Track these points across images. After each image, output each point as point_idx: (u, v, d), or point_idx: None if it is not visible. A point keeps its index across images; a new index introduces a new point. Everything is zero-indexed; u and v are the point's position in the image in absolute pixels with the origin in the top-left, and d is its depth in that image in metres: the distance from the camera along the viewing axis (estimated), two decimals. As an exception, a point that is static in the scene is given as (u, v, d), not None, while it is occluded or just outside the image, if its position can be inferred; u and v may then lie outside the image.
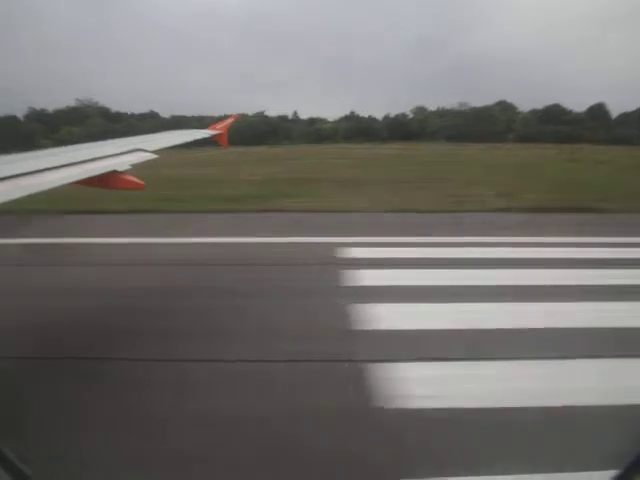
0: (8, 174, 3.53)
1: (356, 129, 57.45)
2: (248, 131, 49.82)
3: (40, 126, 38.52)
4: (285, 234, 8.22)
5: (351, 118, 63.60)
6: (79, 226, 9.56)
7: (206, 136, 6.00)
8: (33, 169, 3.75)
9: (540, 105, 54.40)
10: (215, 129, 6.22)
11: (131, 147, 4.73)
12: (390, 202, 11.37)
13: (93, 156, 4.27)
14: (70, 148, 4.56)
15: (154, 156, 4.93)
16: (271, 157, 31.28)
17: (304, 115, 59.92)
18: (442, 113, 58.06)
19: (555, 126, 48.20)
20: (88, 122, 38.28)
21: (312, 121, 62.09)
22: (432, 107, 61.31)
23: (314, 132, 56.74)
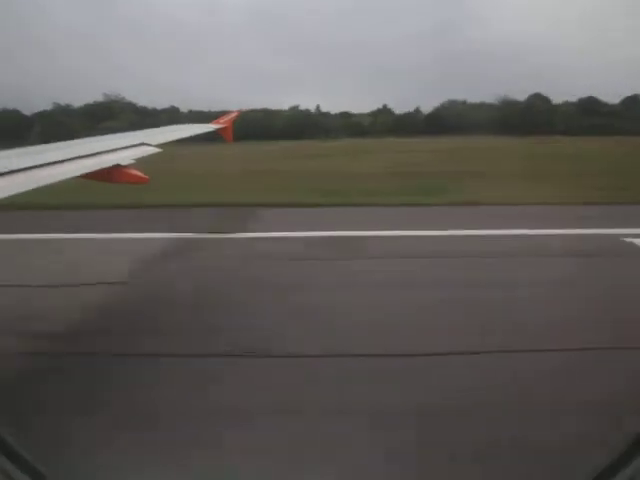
0: (16, 167, 3.66)
1: (393, 123, 56.54)
2: (288, 126, 49.32)
3: (70, 121, 39.12)
4: (547, 226, 7.99)
5: (384, 112, 62.71)
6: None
7: (210, 130, 6.10)
8: (40, 163, 3.87)
9: (568, 97, 53.11)
10: (219, 123, 6.31)
11: (135, 141, 4.83)
12: (603, 193, 10.76)
13: (97, 150, 4.38)
14: (74, 142, 4.67)
15: (158, 150, 5.04)
16: (347, 151, 28.67)
17: (325, 109, 58.63)
18: (478, 107, 56.91)
19: (593, 118, 47.05)
20: (122, 117, 38.73)
21: (346, 115, 61.12)
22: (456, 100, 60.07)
23: (355, 125, 55.85)
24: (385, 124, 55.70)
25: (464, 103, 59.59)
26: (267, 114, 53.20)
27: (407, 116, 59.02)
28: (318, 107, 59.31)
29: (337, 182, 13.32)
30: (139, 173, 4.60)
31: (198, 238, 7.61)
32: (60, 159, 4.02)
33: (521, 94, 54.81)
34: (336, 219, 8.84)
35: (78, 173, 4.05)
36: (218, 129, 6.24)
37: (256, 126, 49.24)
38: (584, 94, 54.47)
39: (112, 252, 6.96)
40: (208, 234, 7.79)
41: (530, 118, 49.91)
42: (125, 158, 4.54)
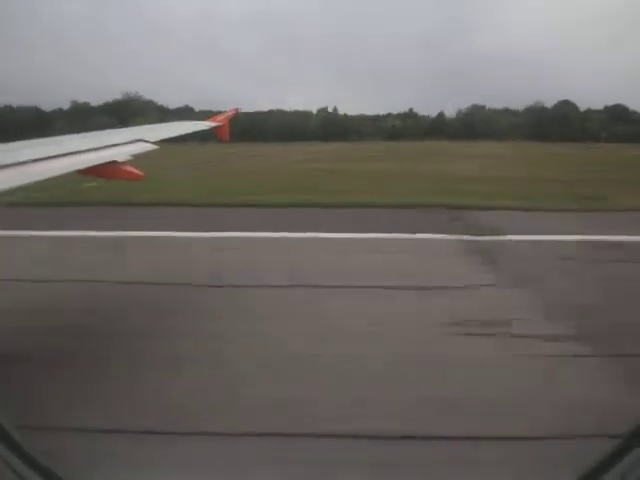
0: (11, 161, 3.60)
1: (422, 127, 55.51)
2: (320, 128, 48.76)
3: (92, 119, 39.09)
4: None
5: (411, 115, 61.79)
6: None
7: (206, 128, 6.05)
8: (36, 157, 3.81)
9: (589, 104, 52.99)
10: (215, 121, 6.27)
11: (132, 137, 4.77)
12: None
13: (93, 146, 4.32)
14: (70, 137, 4.61)
15: (155, 147, 4.99)
16: (409, 154, 28.26)
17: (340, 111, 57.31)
18: (501, 113, 56.39)
19: (623, 126, 47.05)
20: (148, 115, 38.75)
21: (377, 117, 59.66)
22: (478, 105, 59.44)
23: (389, 129, 54.73)
24: (415, 127, 54.63)
25: (484, 108, 59.06)
26: (300, 116, 52.33)
27: (436, 120, 57.97)
28: (335, 109, 57.44)
29: (490, 185, 13.17)
30: (135, 170, 4.55)
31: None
32: (55, 154, 3.96)
33: (543, 100, 54.19)
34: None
35: (73, 169, 4.00)
36: (214, 127, 6.19)
37: (290, 127, 48.55)
38: (608, 102, 54.05)
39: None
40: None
41: (561, 125, 49.38)
42: (122, 154, 4.48)
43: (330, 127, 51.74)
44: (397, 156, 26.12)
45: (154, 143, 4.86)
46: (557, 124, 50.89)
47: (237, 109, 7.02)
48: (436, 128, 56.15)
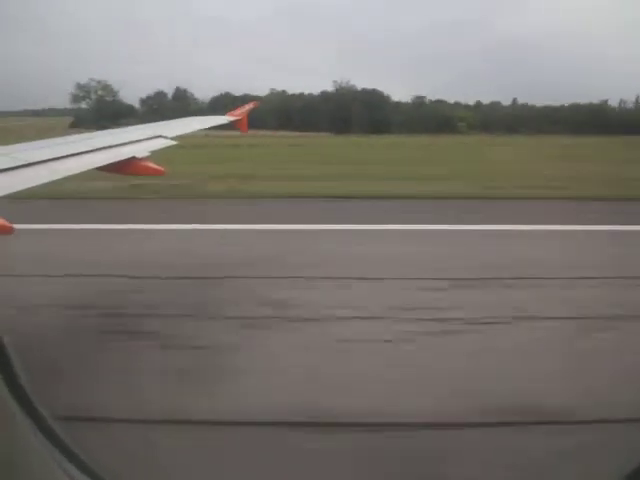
0: (33, 160, 3.72)
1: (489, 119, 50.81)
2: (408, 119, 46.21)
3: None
4: None
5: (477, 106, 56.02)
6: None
7: (225, 122, 6.11)
8: (56, 156, 3.93)
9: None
10: (234, 115, 6.32)
11: (151, 134, 4.86)
12: None
13: (113, 143, 4.42)
14: (89, 135, 4.73)
15: (173, 142, 5.06)
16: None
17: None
18: (543, 109, 53.45)
19: None
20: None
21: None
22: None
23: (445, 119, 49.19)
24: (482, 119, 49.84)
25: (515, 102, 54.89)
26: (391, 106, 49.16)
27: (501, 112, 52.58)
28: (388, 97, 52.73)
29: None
30: (155, 165, 4.64)
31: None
32: (76, 152, 4.08)
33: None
34: None
35: (94, 166, 4.11)
36: (233, 121, 6.24)
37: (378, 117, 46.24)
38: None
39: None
40: None
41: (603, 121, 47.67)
42: (141, 151, 4.57)
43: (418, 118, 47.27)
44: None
45: (172, 139, 4.94)
46: (597, 119, 48.62)
47: (256, 102, 7.05)
48: (497, 120, 50.37)
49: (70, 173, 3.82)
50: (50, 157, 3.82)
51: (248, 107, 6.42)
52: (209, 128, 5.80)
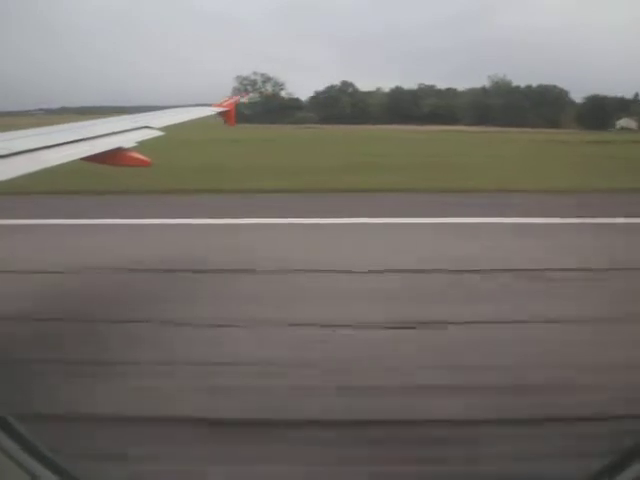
0: (21, 149, 3.67)
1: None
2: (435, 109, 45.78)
3: None
4: None
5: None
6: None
7: (212, 113, 6.07)
8: (43, 145, 3.87)
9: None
10: (221, 106, 6.28)
11: (138, 124, 4.82)
12: None
13: (99, 133, 4.38)
14: (76, 125, 4.67)
15: (160, 133, 5.03)
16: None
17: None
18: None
19: None
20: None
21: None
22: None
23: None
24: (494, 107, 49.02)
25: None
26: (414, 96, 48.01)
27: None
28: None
29: None
30: (141, 156, 4.61)
31: None
32: (62, 141, 4.03)
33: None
34: None
35: (80, 156, 4.06)
36: (220, 112, 6.21)
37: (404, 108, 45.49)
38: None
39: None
40: None
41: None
42: (128, 141, 4.54)
43: (446, 108, 46.78)
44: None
45: (159, 129, 4.91)
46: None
47: (244, 94, 7.02)
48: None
49: (52, 164, 3.76)
50: (33, 147, 3.77)
51: (235, 99, 6.39)
52: (196, 119, 5.76)
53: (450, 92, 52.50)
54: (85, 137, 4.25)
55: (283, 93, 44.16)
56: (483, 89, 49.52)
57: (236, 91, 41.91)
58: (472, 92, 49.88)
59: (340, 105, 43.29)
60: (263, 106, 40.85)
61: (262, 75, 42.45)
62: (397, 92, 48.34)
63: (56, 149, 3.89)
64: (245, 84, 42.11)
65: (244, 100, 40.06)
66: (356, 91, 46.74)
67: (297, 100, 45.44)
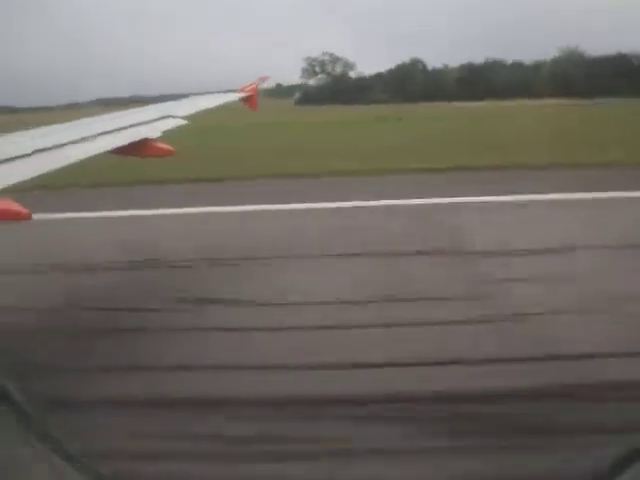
0: (52, 144, 3.77)
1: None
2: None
3: None
4: None
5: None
6: None
7: (235, 99, 6.07)
8: (75, 139, 3.97)
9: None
10: (244, 92, 6.27)
11: (160, 114, 4.87)
12: None
13: (124, 125, 4.45)
14: (100, 119, 4.76)
15: (184, 122, 5.06)
16: None
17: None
18: None
19: None
20: None
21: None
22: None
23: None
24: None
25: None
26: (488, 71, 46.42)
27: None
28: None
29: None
30: (166, 146, 4.66)
31: None
32: (88, 135, 4.11)
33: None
34: None
35: (109, 148, 4.14)
36: (243, 97, 6.20)
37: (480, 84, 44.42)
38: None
39: None
40: None
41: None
42: (153, 131, 4.59)
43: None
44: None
45: (182, 118, 4.95)
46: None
47: (264, 78, 6.97)
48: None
49: (82, 157, 3.85)
50: (62, 142, 3.86)
51: (257, 83, 6.36)
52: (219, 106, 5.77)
53: (515, 65, 49.92)
54: (110, 130, 4.33)
55: (352, 73, 42.87)
56: (554, 61, 46.85)
57: (304, 72, 41.38)
58: (539, 64, 47.45)
59: (416, 83, 41.69)
60: (330, 87, 40.15)
61: (331, 55, 41.41)
62: (469, 68, 46.50)
63: (80, 144, 3.97)
64: (313, 65, 41.34)
65: (311, 82, 39.88)
66: (425, 69, 45.11)
67: (367, 79, 43.90)
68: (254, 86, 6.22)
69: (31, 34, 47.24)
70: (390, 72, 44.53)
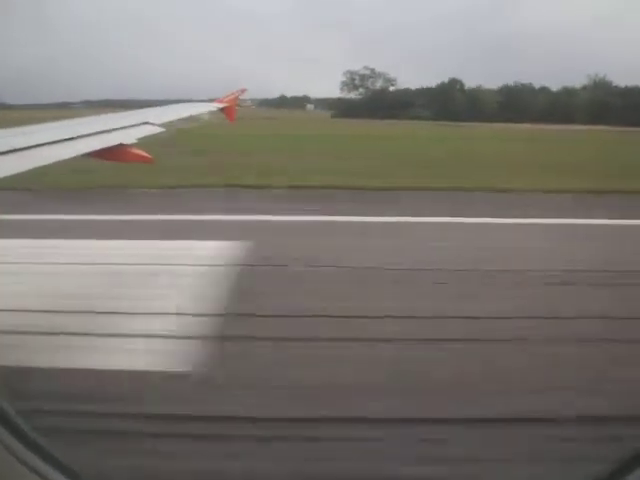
0: (24, 145, 3.66)
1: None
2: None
3: None
4: None
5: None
6: None
7: (213, 109, 6.06)
8: (42, 142, 3.87)
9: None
10: (222, 102, 6.27)
11: (138, 121, 4.81)
12: None
13: (100, 129, 4.37)
14: (77, 122, 4.67)
15: (161, 129, 5.02)
16: None
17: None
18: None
19: None
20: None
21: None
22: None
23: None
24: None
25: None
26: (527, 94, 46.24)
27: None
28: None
29: None
30: (143, 153, 4.59)
31: None
32: (62, 138, 4.02)
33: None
34: None
35: (81, 152, 4.06)
36: (221, 108, 6.19)
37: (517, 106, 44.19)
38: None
39: None
40: None
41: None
42: (129, 137, 4.53)
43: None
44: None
45: (160, 125, 4.90)
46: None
47: (243, 89, 6.99)
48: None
49: (57, 159, 3.77)
50: (37, 143, 3.77)
51: (236, 94, 6.37)
52: (196, 115, 5.75)
53: (545, 90, 50.52)
54: (85, 134, 4.24)
55: (392, 89, 42.78)
56: (584, 88, 47.47)
57: (344, 85, 41.30)
58: (567, 91, 48.35)
59: (455, 102, 41.68)
60: (370, 102, 40.05)
61: (372, 70, 41.39)
62: (508, 89, 46.75)
63: (59, 145, 3.88)
64: (354, 79, 41.28)
65: (351, 95, 39.47)
66: (463, 88, 45.32)
67: (408, 95, 43.72)
68: (233, 97, 6.23)
69: (31, 34, 46.45)
70: (430, 90, 44.59)
